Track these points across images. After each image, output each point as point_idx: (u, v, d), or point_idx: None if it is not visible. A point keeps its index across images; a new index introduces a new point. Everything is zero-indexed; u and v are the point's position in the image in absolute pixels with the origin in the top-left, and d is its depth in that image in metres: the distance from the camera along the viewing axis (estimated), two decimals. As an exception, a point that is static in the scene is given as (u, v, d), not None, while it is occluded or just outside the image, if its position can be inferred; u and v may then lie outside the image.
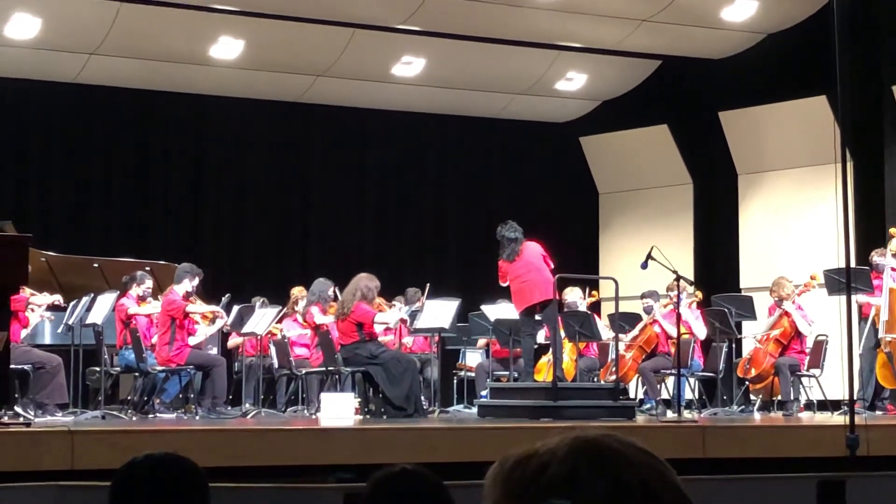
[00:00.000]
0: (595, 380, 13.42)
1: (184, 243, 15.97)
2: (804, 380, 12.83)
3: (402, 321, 12.98)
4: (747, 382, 13.14)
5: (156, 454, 2.79)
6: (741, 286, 15.69)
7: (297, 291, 13.66)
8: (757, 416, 12.64)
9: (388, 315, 12.64)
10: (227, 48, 15.24)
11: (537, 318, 11.74)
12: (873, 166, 14.87)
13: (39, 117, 15.86)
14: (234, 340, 13.66)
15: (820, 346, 12.84)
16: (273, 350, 13.12)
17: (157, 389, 12.10)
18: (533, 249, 11.55)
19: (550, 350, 12.08)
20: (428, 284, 13.12)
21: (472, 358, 14.56)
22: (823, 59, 9.93)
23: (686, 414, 11.31)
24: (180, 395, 12.38)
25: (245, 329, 12.57)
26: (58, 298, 11.99)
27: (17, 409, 10.23)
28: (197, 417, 11.33)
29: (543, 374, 13.09)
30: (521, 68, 16.52)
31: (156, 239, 16.10)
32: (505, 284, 11.72)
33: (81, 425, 8.94)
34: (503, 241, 11.54)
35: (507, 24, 15.07)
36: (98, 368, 12.07)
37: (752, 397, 13.26)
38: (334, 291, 12.84)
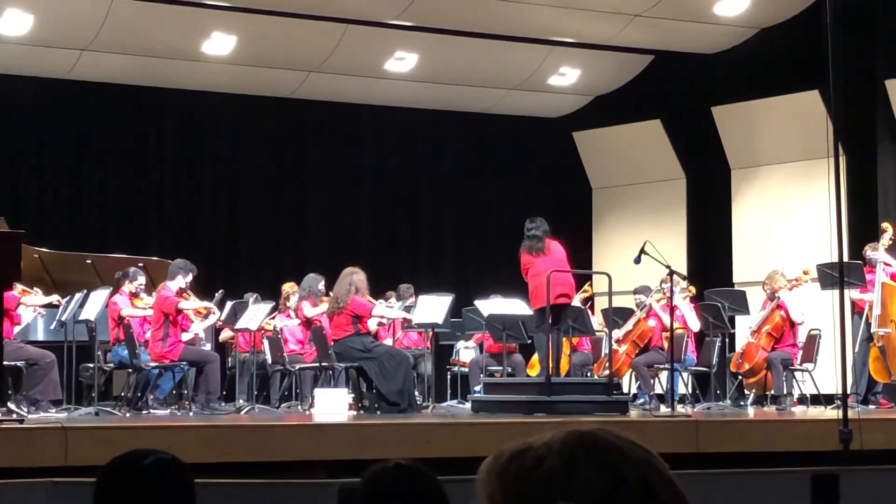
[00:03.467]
0: (588, 375, 13.44)
1: (177, 239, 15.96)
2: (797, 374, 12.85)
3: (407, 321, 12.94)
4: (740, 377, 13.17)
5: (140, 451, 2.78)
6: (734, 281, 15.70)
7: (288, 287, 13.67)
8: (750, 410, 12.65)
9: (388, 311, 12.65)
10: (219, 44, 15.22)
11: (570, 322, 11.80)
12: (866, 161, 14.88)
13: (32, 113, 15.84)
14: (225, 334, 13.66)
15: (813, 341, 12.87)
16: (266, 346, 13.12)
17: (150, 385, 12.09)
18: (558, 249, 11.49)
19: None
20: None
21: (466, 353, 14.57)
22: (816, 54, 9.94)
23: (679, 408, 11.33)
24: (174, 392, 12.37)
25: (238, 325, 12.56)
26: (55, 299, 11.94)
27: (11, 405, 10.19)
28: (190, 413, 11.33)
29: (537, 369, 13.10)
30: (514, 63, 16.52)
31: (149, 235, 16.10)
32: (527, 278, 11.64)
33: (75, 422, 8.94)
34: (527, 235, 11.45)
35: (500, 19, 15.06)
36: (91, 365, 12.06)
37: (747, 391, 13.27)
38: (325, 286, 12.86)
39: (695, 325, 13.16)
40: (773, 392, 12.65)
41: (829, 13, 8.30)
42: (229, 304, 13.02)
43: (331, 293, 12.00)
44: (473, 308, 13.50)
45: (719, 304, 12.99)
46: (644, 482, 1.51)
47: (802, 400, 12.95)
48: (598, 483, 1.50)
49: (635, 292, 13.56)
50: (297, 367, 12.80)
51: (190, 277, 11.93)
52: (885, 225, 12.60)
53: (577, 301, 13.48)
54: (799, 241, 15.08)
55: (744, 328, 13.68)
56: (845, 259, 9.21)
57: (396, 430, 8.47)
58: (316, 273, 13.28)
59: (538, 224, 11.43)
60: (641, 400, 13.09)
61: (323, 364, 12.15)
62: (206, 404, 11.49)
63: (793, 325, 12.75)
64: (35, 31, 14.37)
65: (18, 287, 11.10)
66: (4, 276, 7.89)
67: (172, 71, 15.72)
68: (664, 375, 13.19)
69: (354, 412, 11.29)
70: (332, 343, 11.69)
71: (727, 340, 13.45)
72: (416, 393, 11.98)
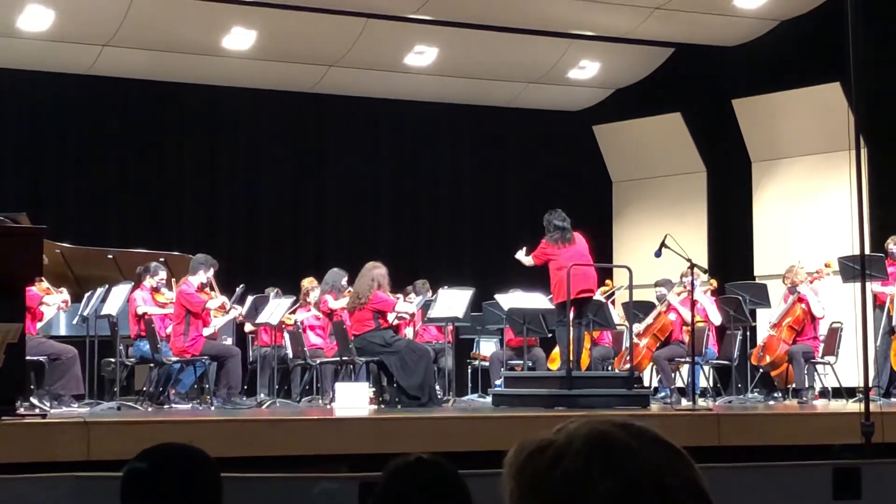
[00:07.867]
0: (609, 368, 13.42)
1: (198, 234, 16.01)
2: (819, 367, 12.81)
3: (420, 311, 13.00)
4: (761, 370, 13.13)
5: (167, 445, 2.79)
6: (755, 274, 15.66)
7: (308, 283, 13.67)
8: (772, 403, 12.63)
9: (408, 305, 12.66)
10: (239, 39, 15.24)
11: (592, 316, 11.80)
12: (888, 153, 14.82)
13: (53, 109, 15.88)
14: (247, 328, 13.68)
15: (835, 334, 12.83)
16: (287, 340, 13.15)
17: (172, 380, 12.13)
18: (581, 241, 11.48)
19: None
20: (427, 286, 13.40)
21: (487, 347, 14.56)
22: (837, 46, 9.89)
23: (701, 402, 11.31)
24: (195, 386, 12.41)
25: (259, 319, 12.59)
26: (66, 298, 11.90)
27: (33, 400, 10.26)
28: (212, 408, 11.36)
29: (557, 363, 13.09)
30: (533, 57, 16.50)
31: (170, 230, 16.13)
32: (534, 264, 11.57)
33: (97, 416, 8.97)
34: (549, 227, 11.43)
35: (519, 12, 15.05)
36: (113, 359, 12.10)
37: (778, 385, 13.17)
38: (347, 281, 12.88)
39: (716, 318, 13.13)
40: (794, 385, 12.62)
41: (850, 4, 8.27)
42: (250, 299, 13.04)
43: (351, 288, 12.02)
44: (494, 302, 13.49)
45: (740, 298, 12.96)
46: (660, 486, 1.51)
47: (824, 393, 12.91)
48: (611, 487, 1.50)
49: (656, 285, 13.54)
50: (318, 361, 12.82)
51: (211, 272, 11.96)
52: (907, 217, 12.55)
53: (598, 295, 13.48)
54: (820, 234, 15.04)
55: (765, 321, 13.65)
56: (867, 252, 9.18)
57: (417, 425, 8.48)
58: (337, 268, 13.29)
59: (563, 216, 11.42)
60: (662, 394, 13.07)
61: (344, 358, 12.17)
62: (228, 399, 11.52)
63: (814, 318, 12.72)
64: (56, 26, 14.41)
65: (44, 285, 11.14)
66: (26, 272, 7.92)
67: (193, 66, 15.76)
68: (685, 369, 13.17)
69: (375, 406, 11.30)
70: (353, 337, 11.70)
71: (748, 334, 13.42)
72: (437, 387, 11.98)
